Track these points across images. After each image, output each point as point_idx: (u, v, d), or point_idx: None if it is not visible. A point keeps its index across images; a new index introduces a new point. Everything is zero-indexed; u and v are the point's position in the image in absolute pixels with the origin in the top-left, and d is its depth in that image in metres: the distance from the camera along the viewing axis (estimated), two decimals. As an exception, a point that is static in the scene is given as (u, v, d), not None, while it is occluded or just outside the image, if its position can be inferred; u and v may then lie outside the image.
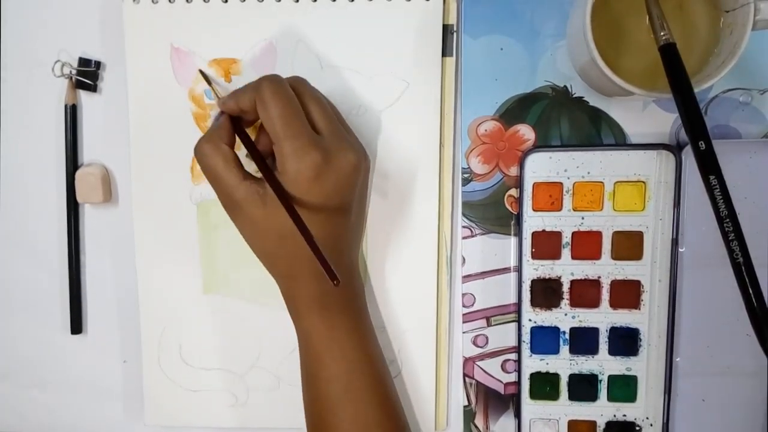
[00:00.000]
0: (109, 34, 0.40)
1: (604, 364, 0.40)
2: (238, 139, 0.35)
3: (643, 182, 0.38)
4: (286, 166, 0.32)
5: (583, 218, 0.39)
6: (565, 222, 0.39)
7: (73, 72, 0.40)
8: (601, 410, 0.40)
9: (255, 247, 0.35)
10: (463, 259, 0.40)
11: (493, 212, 0.40)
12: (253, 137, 0.36)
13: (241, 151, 0.35)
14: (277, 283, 0.36)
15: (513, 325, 0.40)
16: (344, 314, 0.36)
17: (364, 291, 0.38)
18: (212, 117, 0.39)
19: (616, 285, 0.39)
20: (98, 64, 0.40)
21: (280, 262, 0.35)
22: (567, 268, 0.39)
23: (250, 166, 0.35)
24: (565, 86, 0.39)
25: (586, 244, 0.39)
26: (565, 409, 0.40)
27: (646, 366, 0.39)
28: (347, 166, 0.33)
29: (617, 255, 0.39)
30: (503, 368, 0.41)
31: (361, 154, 0.34)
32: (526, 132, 0.39)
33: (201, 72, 0.39)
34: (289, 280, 0.35)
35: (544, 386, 0.40)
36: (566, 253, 0.39)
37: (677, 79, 0.31)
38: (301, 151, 0.31)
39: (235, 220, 0.35)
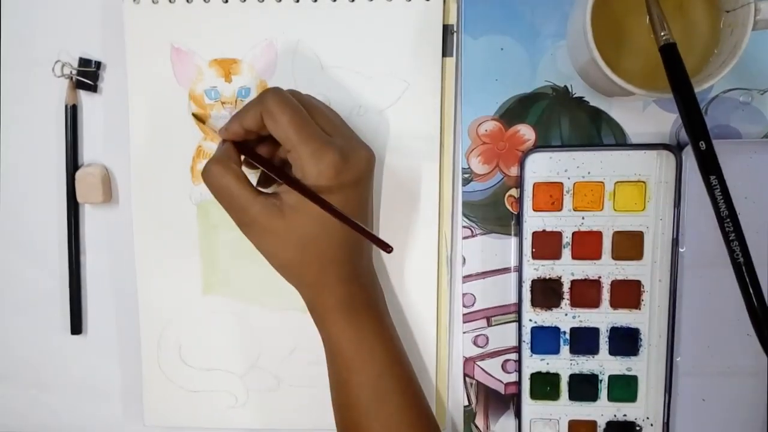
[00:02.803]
0: (109, 34, 0.40)
1: (604, 364, 0.40)
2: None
3: (644, 182, 0.38)
4: (305, 170, 0.32)
5: (583, 218, 0.39)
6: (566, 222, 0.39)
7: (74, 72, 0.40)
8: (602, 410, 0.40)
9: (277, 260, 0.35)
10: (464, 259, 0.40)
11: (494, 212, 0.40)
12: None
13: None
14: (302, 293, 0.36)
15: (513, 325, 0.40)
16: (370, 316, 0.36)
17: (384, 295, 0.38)
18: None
19: (616, 285, 0.39)
20: (98, 64, 0.40)
21: (305, 271, 0.35)
22: (567, 268, 0.39)
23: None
24: (565, 86, 0.39)
25: (587, 244, 0.39)
26: (565, 409, 0.40)
27: (646, 366, 0.39)
28: (363, 162, 0.34)
29: (617, 255, 0.39)
30: (504, 368, 0.41)
31: (371, 152, 0.35)
32: (526, 132, 0.39)
33: (194, 115, 0.39)
34: (316, 287, 0.35)
35: (545, 386, 0.40)
36: (566, 253, 0.39)
37: (677, 79, 0.31)
38: (318, 152, 0.32)
39: (254, 238, 0.34)
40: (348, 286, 0.35)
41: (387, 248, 0.31)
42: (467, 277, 0.40)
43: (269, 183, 0.38)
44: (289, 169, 0.34)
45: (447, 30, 0.39)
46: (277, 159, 0.36)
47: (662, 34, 0.31)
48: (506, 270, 0.40)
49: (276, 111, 0.32)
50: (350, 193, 0.33)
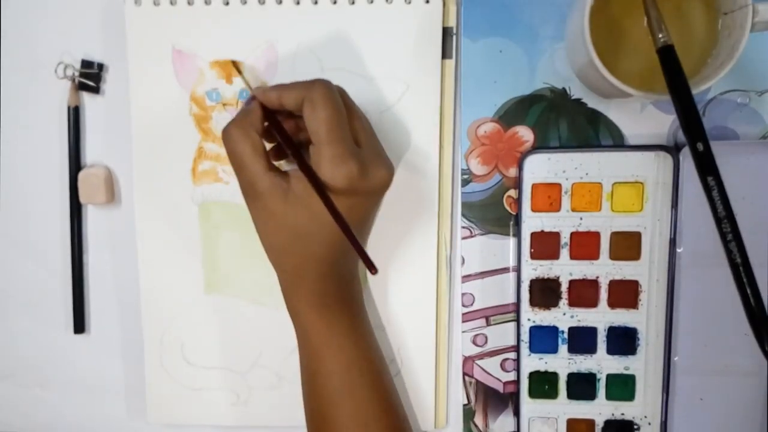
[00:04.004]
0: (111, 35, 0.40)
1: (602, 363, 0.40)
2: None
3: (641, 183, 0.38)
4: (321, 170, 0.32)
5: (581, 219, 0.39)
6: (564, 222, 0.39)
7: (76, 74, 0.40)
8: (600, 409, 0.40)
9: (266, 240, 0.35)
10: (463, 259, 0.41)
11: (493, 213, 0.40)
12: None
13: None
14: (279, 278, 0.36)
15: (512, 325, 0.41)
16: (343, 313, 0.36)
17: (362, 293, 0.39)
18: (240, 101, 0.39)
19: (614, 285, 0.39)
20: (101, 65, 0.41)
21: (288, 259, 0.35)
22: (565, 268, 0.39)
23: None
24: (563, 88, 0.39)
25: (585, 245, 0.39)
26: (563, 407, 0.40)
27: (644, 365, 0.40)
28: (379, 182, 0.33)
29: (615, 255, 0.39)
30: (502, 367, 0.41)
31: (391, 172, 0.34)
32: (524, 133, 0.39)
33: (233, 62, 0.38)
34: (294, 277, 0.35)
35: (543, 385, 0.40)
36: (565, 253, 0.39)
37: (675, 81, 0.31)
38: (339, 159, 0.31)
39: (253, 210, 0.34)
40: (324, 283, 0.35)
41: (372, 269, 0.31)
42: (466, 277, 0.41)
43: (281, 158, 0.37)
44: (308, 156, 0.33)
45: (446, 32, 0.39)
46: (297, 140, 0.35)
47: (660, 35, 0.31)
48: (505, 270, 0.40)
49: (319, 102, 0.31)
50: (357, 205, 0.33)
